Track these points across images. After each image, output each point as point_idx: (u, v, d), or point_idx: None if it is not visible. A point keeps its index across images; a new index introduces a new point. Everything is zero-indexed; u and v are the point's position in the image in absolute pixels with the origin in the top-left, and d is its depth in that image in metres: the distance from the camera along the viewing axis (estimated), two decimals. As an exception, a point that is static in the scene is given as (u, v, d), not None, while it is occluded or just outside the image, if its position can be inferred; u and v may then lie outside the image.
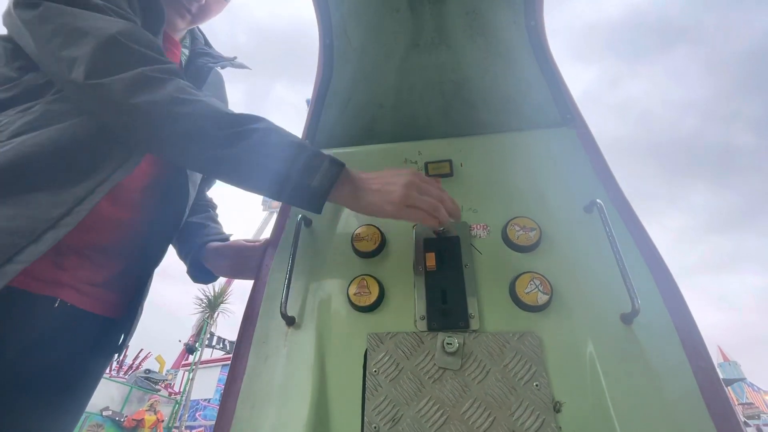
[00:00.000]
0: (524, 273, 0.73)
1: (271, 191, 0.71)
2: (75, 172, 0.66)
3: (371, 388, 0.66)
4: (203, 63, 1.01)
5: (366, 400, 0.65)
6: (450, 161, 0.93)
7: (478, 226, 0.83)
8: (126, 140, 0.72)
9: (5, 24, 0.74)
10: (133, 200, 0.85)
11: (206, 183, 1.15)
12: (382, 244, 0.83)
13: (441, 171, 0.92)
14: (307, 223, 0.90)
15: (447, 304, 0.73)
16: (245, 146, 0.67)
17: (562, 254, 0.76)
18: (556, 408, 0.61)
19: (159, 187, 0.89)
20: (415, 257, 0.80)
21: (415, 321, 0.72)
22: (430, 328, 0.71)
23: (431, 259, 0.77)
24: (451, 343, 0.67)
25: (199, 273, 1.05)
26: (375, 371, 0.68)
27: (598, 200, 0.75)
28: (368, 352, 0.70)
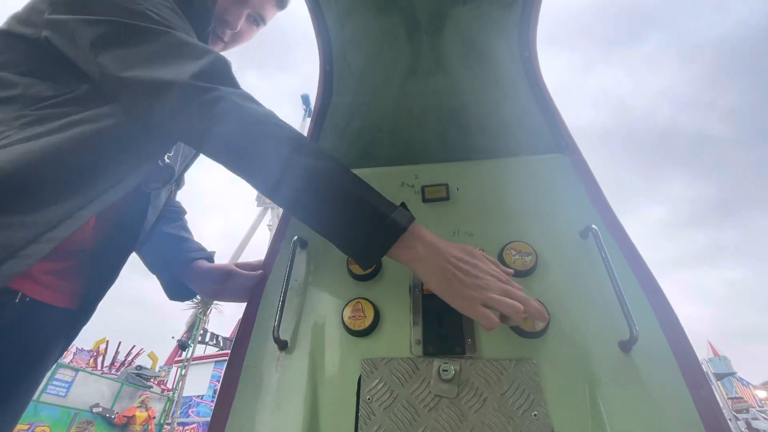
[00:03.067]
0: None
1: (344, 218, 0.65)
2: (55, 191, 0.61)
3: (365, 416, 0.64)
4: None
5: (359, 430, 0.63)
6: (446, 185, 0.94)
7: (475, 250, 0.82)
8: (200, 142, 0.69)
9: (58, 24, 0.70)
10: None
11: (177, 185, 1.09)
12: (378, 266, 0.82)
13: (437, 195, 0.93)
14: (303, 244, 0.89)
15: (443, 329, 0.72)
16: (328, 166, 0.66)
17: (558, 279, 0.76)
18: None
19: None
20: (412, 280, 0.79)
21: (411, 345, 0.71)
22: (426, 353, 0.69)
23: None
24: (447, 370, 0.65)
25: (178, 291, 1.00)
26: (369, 399, 0.65)
27: (593, 225, 0.76)
28: (362, 379, 0.68)
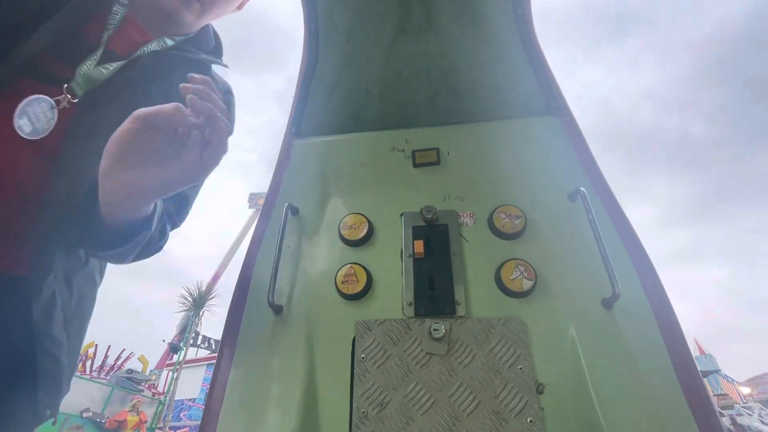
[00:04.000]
0: (509, 260, 0.74)
1: None
2: None
3: (359, 374, 0.67)
4: (164, 55, 0.82)
5: (354, 386, 0.66)
6: (437, 149, 0.93)
7: (465, 214, 0.83)
8: None
9: None
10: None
11: None
12: (370, 231, 0.83)
13: (428, 159, 0.92)
14: (294, 211, 0.89)
15: (434, 291, 0.74)
16: None
17: (546, 241, 0.77)
18: (539, 390, 0.63)
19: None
20: (404, 244, 0.80)
21: (403, 307, 0.73)
22: (418, 314, 0.72)
23: (419, 246, 0.78)
24: (438, 329, 0.68)
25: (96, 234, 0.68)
26: (363, 358, 0.68)
27: (582, 188, 0.77)
28: (356, 340, 0.70)
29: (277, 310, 0.75)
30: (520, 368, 0.64)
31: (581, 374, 0.62)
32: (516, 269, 0.73)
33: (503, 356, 0.65)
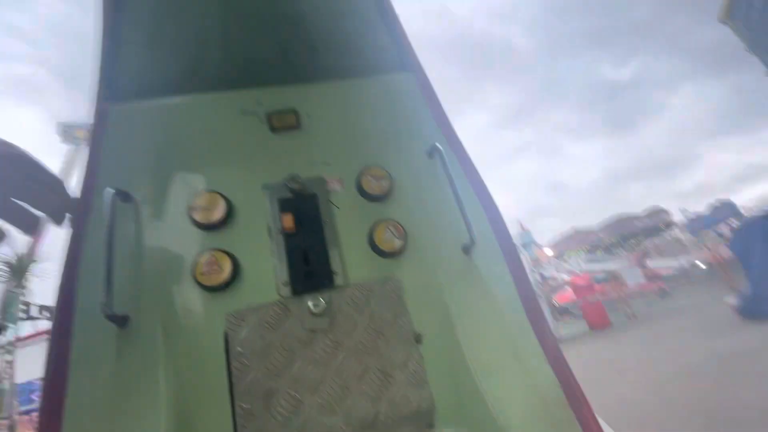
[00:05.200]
0: (380, 221, 0.75)
1: None
2: None
3: (238, 370, 0.61)
4: None
5: (234, 384, 0.60)
6: (296, 112, 0.85)
7: (333, 181, 0.80)
8: None
9: None
10: None
11: None
12: (228, 210, 0.73)
13: (287, 123, 0.84)
14: (125, 197, 0.72)
15: (310, 265, 0.71)
16: None
17: (411, 200, 0.81)
18: (418, 339, 0.67)
19: None
20: (271, 220, 0.74)
21: (278, 288, 0.68)
22: (295, 293, 0.68)
23: (289, 221, 0.72)
24: (317, 304, 0.66)
25: None
26: (240, 351, 0.62)
27: (437, 144, 0.81)
28: (228, 334, 0.63)
29: (121, 321, 0.62)
30: (400, 324, 0.68)
31: (448, 318, 0.69)
32: (387, 230, 0.74)
33: (383, 316, 0.68)
